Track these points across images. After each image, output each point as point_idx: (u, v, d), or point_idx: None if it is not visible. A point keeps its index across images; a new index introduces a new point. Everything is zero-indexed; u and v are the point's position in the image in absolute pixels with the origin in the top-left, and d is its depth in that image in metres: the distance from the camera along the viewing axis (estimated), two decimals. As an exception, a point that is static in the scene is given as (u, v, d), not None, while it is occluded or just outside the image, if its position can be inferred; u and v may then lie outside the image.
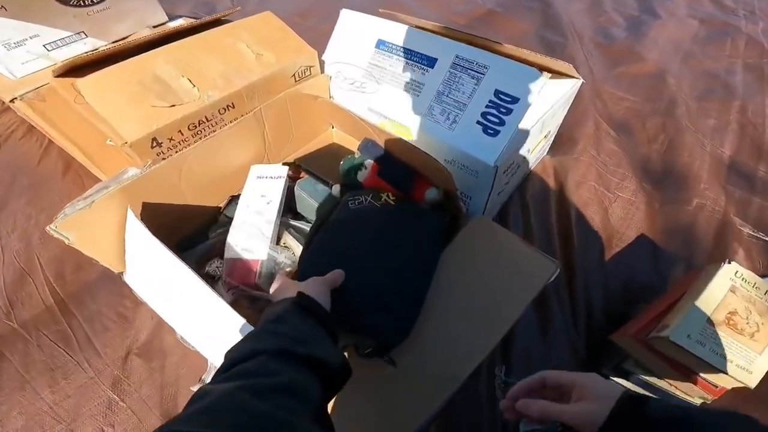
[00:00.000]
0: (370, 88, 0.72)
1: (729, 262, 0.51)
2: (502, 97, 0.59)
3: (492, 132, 0.58)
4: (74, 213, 0.52)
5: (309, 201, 0.68)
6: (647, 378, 0.54)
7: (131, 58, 0.62)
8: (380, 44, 0.72)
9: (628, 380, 0.56)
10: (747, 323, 0.47)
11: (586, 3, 1.71)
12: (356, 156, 0.69)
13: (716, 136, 1.04)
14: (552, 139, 0.89)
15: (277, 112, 0.68)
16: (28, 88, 0.74)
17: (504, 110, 0.58)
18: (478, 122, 0.59)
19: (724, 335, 0.45)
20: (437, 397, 0.47)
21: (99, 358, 0.71)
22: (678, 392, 0.53)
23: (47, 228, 0.52)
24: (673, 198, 0.88)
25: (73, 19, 0.84)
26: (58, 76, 0.65)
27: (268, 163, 0.72)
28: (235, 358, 0.32)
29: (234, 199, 0.69)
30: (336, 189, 0.66)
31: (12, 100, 0.72)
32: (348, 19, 0.78)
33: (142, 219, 0.56)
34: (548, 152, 0.93)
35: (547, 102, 0.66)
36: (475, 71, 0.62)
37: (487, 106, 0.59)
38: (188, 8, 1.72)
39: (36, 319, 0.76)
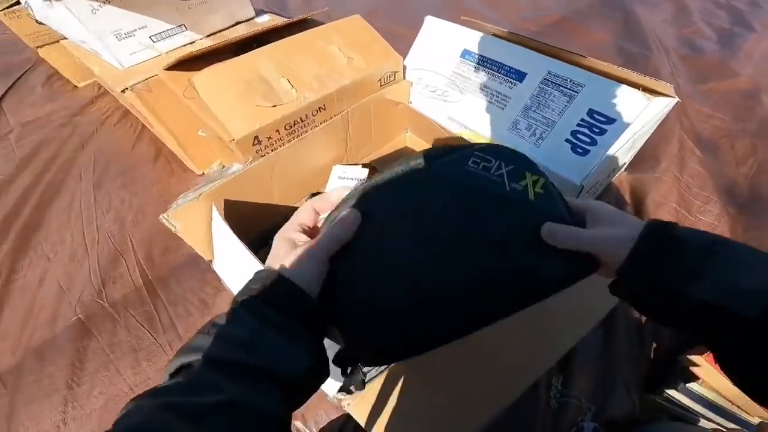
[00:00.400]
0: (452, 97, 0.73)
1: None
2: (596, 116, 0.58)
3: (581, 151, 0.58)
4: (185, 204, 0.58)
5: None
6: (715, 399, 0.55)
7: (239, 57, 0.66)
8: (465, 54, 0.72)
9: (693, 399, 0.57)
10: None
11: (671, 12, 1.59)
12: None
13: (812, 161, 0.95)
14: (634, 154, 0.86)
15: (362, 115, 0.71)
16: (136, 78, 0.79)
17: (597, 130, 0.57)
18: (567, 140, 0.59)
19: None
20: (493, 406, 0.48)
21: (180, 341, 0.75)
22: (737, 410, 0.53)
23: (160, 216, 0.58)
24: (758, 224, 0.83)
25: (175, 12, 0.88)
26: (167, 69, 0.71)
27: (347, 163, 0.76)
28: (175, 364, 0.27)
29: (314, 197, 0.74)
30: None
31: (123, 90, 0.78)
32: (432, 26, 0.79)
33: (233, 213, 0.61)
34: (627, 169, 0.90)
35: (640, 122, 0.64)
36: (568, 89, 0.61)
37: (578, 125, 0.59)
38: (262, 2, 1.80)
39: (125, 300, 0.81)
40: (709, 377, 0.54)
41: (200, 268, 0.85)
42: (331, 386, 0.47)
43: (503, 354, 0.53)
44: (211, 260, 0.67)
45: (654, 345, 0.67)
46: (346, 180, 0.68)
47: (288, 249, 0.32)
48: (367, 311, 0.31)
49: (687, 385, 0.57)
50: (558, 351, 0.53)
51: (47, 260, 0.90)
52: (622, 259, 0.27)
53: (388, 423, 0.49)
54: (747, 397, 0.46)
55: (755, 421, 0.53)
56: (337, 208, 0.37)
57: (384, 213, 0.34)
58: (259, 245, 0.71)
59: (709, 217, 0.83)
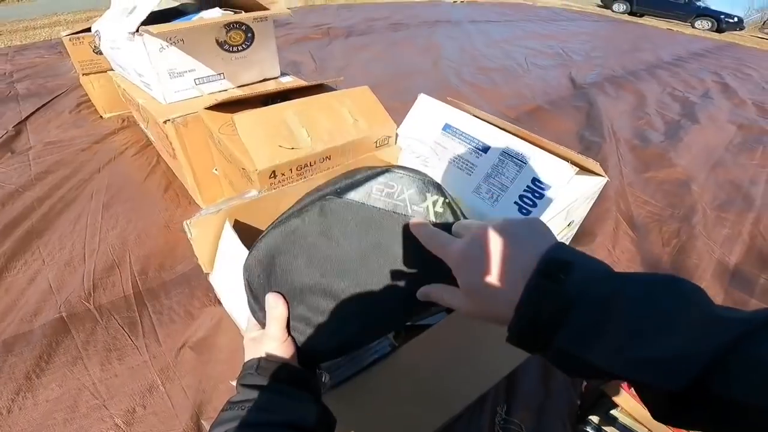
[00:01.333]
0: (432, 163, 0.90)
1: None
2: (537, 184, 0.74)
3: (525, 212, 0.73)
4: (206, 215, 0.70)
5: None
6: (630, 424, 0.61)
7: (271, 106, 0.82)
8: (446, 127, 0.91)
9: (614, 426, 0.64)
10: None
11: (631, 104, 1.86)
12: None
13: (726, 244, 1.13)
14: (575, 230, 1.02)
15: (359, 168, 0.87)
16: (176, 113, 0.92)
17: (537, 195, 0.73)
18: (515, 203, 0.75)
19: None
20: (438, 419, 0.56)
21: (158, 345, 0.78)
22: None
23: (184, 222, 0.69)
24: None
25: (220, 61, 0.99)
26: (207, 108, 0.86)
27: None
28: None
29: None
30: None
31: (165, 121, 0.91)
32: (424, 103, 0.98)
33: (238, 232, 0.72)
34: (571, 242, 1.06)
35: (574, 194, 0.80)
36: (519, 160, 0.78)
37: (524, 191, 0.75)
38: (282, 66, 2.04)
39: (112, 305, 0.85)
40: (625, 404, 0.61)
41: (191, 285, 0.91)
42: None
43: (448, 374, 0.61)
44: (208, 273, 0.75)
45: (584, 382, 0.76)
46: None
47: (262, 342, 0.38)
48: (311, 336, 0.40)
49: (610, 412, 0.64)
50: (499, 373, 0.62)
51: (42, 263, 0.95)
52: (507, 319, 0.26)
53: (347, 425, 0.56)
54: (665, 427, 0.56)
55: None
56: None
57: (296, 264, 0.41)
58: None
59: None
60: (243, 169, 0.78)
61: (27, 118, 1.55)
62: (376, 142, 0.90)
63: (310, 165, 0.81)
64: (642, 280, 0.24)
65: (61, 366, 0.74)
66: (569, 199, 0.79)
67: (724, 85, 2.14)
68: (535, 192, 0.73)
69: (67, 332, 0.79)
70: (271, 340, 0.38)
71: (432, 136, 0.91)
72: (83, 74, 1.48)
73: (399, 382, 0.61)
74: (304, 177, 0.81)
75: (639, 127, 1.70)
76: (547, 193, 0.72)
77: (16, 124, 1.49)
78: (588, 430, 0.68)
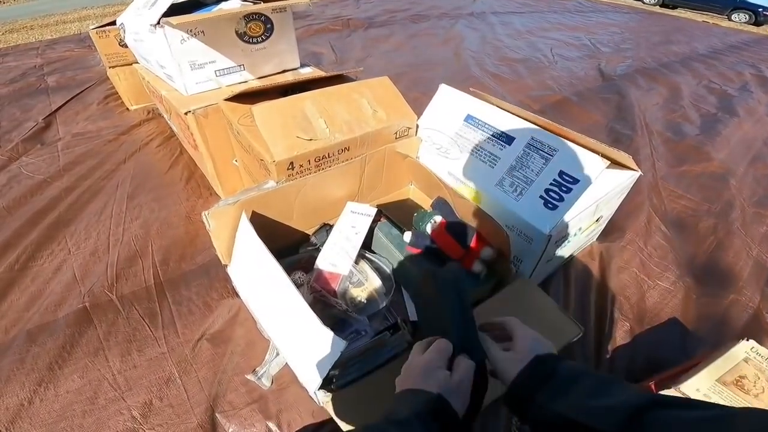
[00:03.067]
0: (453, 155, 0.87)
1: (747, 340, 0.58)
2: (565, 177, 0.71)
3: (552, 206, 0.70)
4: (224, 206, 0.70)
5: (384, 241, 0.83)
6: None
7: (289, 97, 0.81)
8: (468, 118, 0.88)
9: None
10: (754, 386, 0.53)
11: (664, 97, 1.77)
12: (429, 211, 0.82)
13: (765, 242, 1.06)
14: (604, 225, 0.98)
15: (376, 161, 0.85)
16: (197, 104, 0.91)
17: (565, 189, 0.70)
18: (541, 197, 0.72)
19: (731, 393, 0.52)
20: None
21: (176, 336, 0.79)
22: None
23: (202, 213, 0.69)
24: (710, 292, 0.92)
25: (240, 53, 0.99)
26: (227, 100, 0.86)
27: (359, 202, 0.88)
28: None
29: (325, 226, 0.86)
30: (407, 235, 0.80)
31: (186, 112, 0.91)
32: (445, 93, 0.95)
33: (255, 223, 0.70)
34: (598, 238, 1.02)
35: (604, 188, 0.76)
36: (546, 152, 0.75)
37: (551, 184, 0.71)
38: (302, 57, 2.04)
39: (133, 295, 0.86)
40: None
41: (210, 276, 0.91)
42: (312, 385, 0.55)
43: None
44: (226, 264, 0.75)
45: None
46: (357, 214, 0.81)
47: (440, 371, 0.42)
48: None
49: None
50: None
51: (68, 253, 0.97)
52: (512, 377, 0.39)
53: (361, 422, 0.53)
54: None
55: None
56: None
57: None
58: (276, 257, 0.81)
59: (665, 282, 0.94)
60: (261, 160, 0.77)
61: (56, 110, 1.58)
62: (396, 133, 0.88)
63: (329, 156, 0.79)
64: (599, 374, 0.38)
65: (82, 357, 0.75)
66: (599, 193, 0.75)
67: (763, 78, 2.01)
68: (563, 186, 0.70)
69: (90, 322, 0.81)
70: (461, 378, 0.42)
71: (453, 127, 0.88)
72: (110, 67, 1.51)
73: None
74: (322, 168, 0.79)
75: (673, 119, 1.62)
76: (576, 187, 0.69)
77: (46, 116, 1.53)
78: None
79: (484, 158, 0.82)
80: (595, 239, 1.01)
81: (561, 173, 0.71)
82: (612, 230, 1.04)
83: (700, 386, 0.53)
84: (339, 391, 0.59)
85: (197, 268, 0.94)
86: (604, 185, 0.77)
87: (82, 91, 1.72)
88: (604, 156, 0.69)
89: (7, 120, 1.51)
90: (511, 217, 0.74)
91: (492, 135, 0.82)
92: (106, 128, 1.48)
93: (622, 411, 0.31)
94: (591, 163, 0.69)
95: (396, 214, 0.87)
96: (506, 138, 0.81)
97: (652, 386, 0.61)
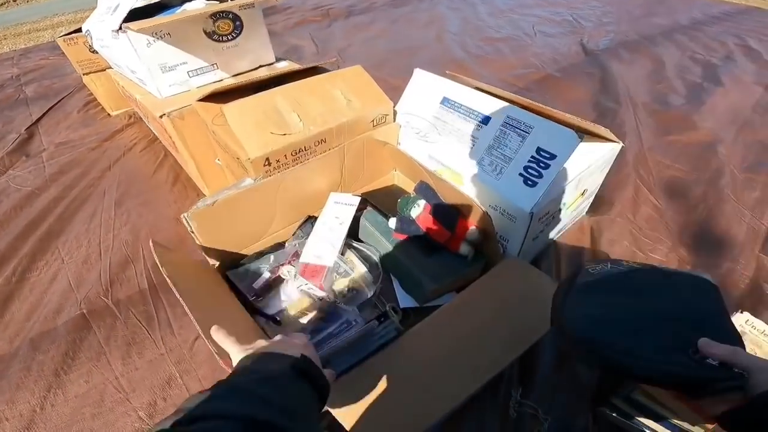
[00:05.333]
0: (432, 138, 0.86)
1: (742, 312, 0.57)
2: (542, 153, 0.70)
3: (531, 183, 0.70)
4: (203, 207, 0.70)
5: (370, 229, 0.83)
6: (653, 407, 0.58)
7: (259, 93, 0.80)
8: (445, 101, 0.87)
9: (635, 408, 0.60)
10: (749, 360, 0.52)
11: (648, 69, 1.75)
12: (412, 196, 0.81)
13: (757, 208, 1.05)
14: (591, 198, 0.97)
15: (355, 151, 0.84)
16: (172, 107, 0.91)
17: (543, 165, 0.69)
18: (520, 174, 0.71)
19: None
20: (450, 401, 0.54)
21: (173, 337, 0.79)
22: (681, 422, 0.56)
23: (182, 215, 0.68)
24: (704, 262, 0.92)
25: (211, 52, 0.99)
26: (200, 100, 0.85)
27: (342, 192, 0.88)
28: (201, 413, 0.27)
29: (310, 219, 0.85)
30: (392, 221, 0.80)
31: (161, 116, 0.90)
32: (420, 78, 0.94)
33: (239, 224, 0.72)
34: (587, 212, 1.02)
35: (585, 161, 0.76)
36: (522, 130, 0.74)
37: (529, 161, 0.71)
38: (282, 51, 2.02)
39: (128, 299, 0.87)
40: (647, 386, 0.56)
41: None
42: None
43: (458, 357, 0.60)
44: (214, 264, 0.76)
45: None
46: (340, 204, 0.80)
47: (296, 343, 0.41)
48: None
49: (631, 394, 0.59)
50: (510, 355, 0.59)
51: (62, 262, 0.98)
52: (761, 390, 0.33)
53: (353, 412, 0.55)
54: (686, 409, 0.51)
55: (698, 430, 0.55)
56: None
57: None
58: (264, 253, 0.81)
59: (658, 254, 0.93)
60: (237, 158, 0.77)
61: (38, 120, 1.57)
62: (372, 121, 0.87)
63: (305, 149, 0.79)
64: None
65: (86, 361, 0.77)
66: (581, 167, 0.75)
67: (748, 48, 1.97)
68: (541, 162, 0.70)
69: (89, 328, 0.82)
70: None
71: (430, 111, 0.88)
72: (84, 74, 1.49)
73: (406, 367, 0.61)
74: (301, 162, 0.79)
75: (658, 90, 1.60)
76: (553, 163, 0.68)
77: (28, 127, 1.51)
78: (608, 412, 0.64)
79: (463, 140, 0.82)
80: (584, 213, 1.01)
81: (538, 150, 0.71)
82: (600, 204, 1.03)
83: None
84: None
85: None
86: (586, 159, 0.76)
87: (61, 100, 1.70)
88: (580, 129, 0.69)
89: (-12, 135, 1.49)
90: (493, 196, 0.73)
91: (469, 116, 0.82)
92: (88, 136, 1.46)
93: None
94: (567, 138, 0.68)
95: (382, 201, 0.87)
96: (483, 118, 0.80)
97: None
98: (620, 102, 1.51)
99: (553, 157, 0.69)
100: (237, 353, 0.37)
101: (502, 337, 0.61)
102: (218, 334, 0.41)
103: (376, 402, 0.56)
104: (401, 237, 0.79)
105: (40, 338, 0.81)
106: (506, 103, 0.79)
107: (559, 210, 0.78)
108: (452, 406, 0.55)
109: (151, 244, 0.62)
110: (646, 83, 1.66)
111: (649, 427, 0.60)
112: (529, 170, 0.71)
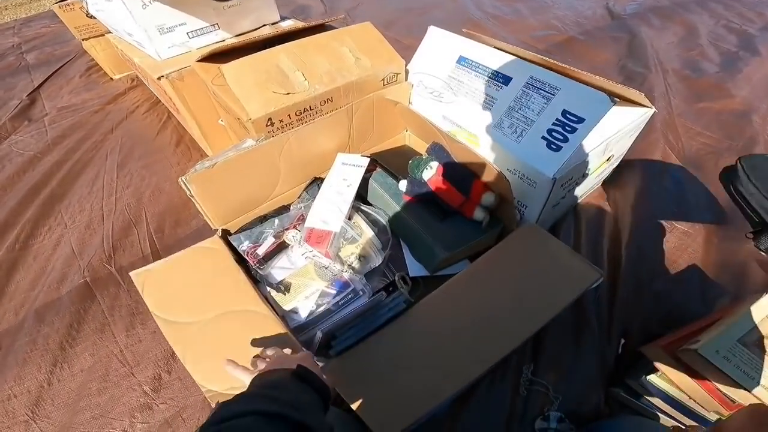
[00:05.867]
0: (446, 98, 0.80)
1: None
2: (568, 116, 0.64)
3: (555, 147, 0.64)
4: (202, 170, 0.66)
5: (379, 191, 0.79)
6: (669, 390, 0.56)
7: (261, 51, 0.74)
8: (461, 60, 0.80)
9: (651, 391, 0.58)
10: (778, 348, 0.48)
11: (679, 36, 1.65)
12: (424, 157, 0.77)
13: (794, 180, 0.98)
14: (616, 164, 0.91)
15: (364, 110, 0.79)
16: (171, 69, 0.87)
17: (569, 128, 0.63)
18: (543, 137, 0.66)
19: (753, 356, 0.48)
20: (460, 379, 0.51)
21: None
22: (695, 406, 0.54)
23: (179, 179, 0.64)
24: (732, 235, 0.86)
25: (211, 12, 0.95)
26: (199, 61, 0.80)
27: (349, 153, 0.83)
28: (226, 414, 0.32)
29: (316, 181, 0.81)
30: (403, 184, 0.76)
31: (159, 77, 0.86)
32: (435, 35, 0.87)
33: (240, 187, 0.69)
34: (610, 178, 0.96)
35: (614, 126, 0.70)
36: (546, 91, 0.68)
37: (553, 124, 0.65)
38: (288, 10, 1.93)
39: (131, 266, 0.82)
40: (666, 369, 0.55)
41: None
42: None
43: (474, 329, 0.56)
44: (217, 229, 0.73)
45: (622, 341, 0.70)
46: (348, 166, 0.76)
47: (289, 356, 0.47)
48: None
49: (647, 377, 0.57)
50: (525, 331, 0.54)
51: (65, 227, 0.97)
52: None
53: (360, 389, 0.52)
54: (704, 393, 0.50)
55: (712, 417, 0.54)
56: None
57: None
58: (266, 218, 0.78)
59: (684, 225, 0.88)
60: (238, 119, 0.72)
61: (40, 86, 1.54)
62: (383, 80, 0.81)
63: (311, 109, 0.74)
64: None
65: (90, 334, 0.76)
66: (609, 132, 0.69)
67: None
68: (567, 126, 0.64)
69: (93, 298, 0.81)
70: (306, 355, 0.48)
71: (445, 70, 0.81)
72: (83, 39, 1.44)
73: (414, 342, 0.58)
74: (306, 122, 0.74)
75: (690, 57, 1.49)
76: (581, 127, 0.63)
77: (30, 93, 1.48)
78: (622, 393, 0.62)
79: (480, 100, 0.76)
80: (605, 178, 0.95)
81: (564, 113, 0.65)
82: (625, 169, 0.97)
83: (720, 347, 0.49)
84: (335, 357, 0.58)
85: (192, 232, 0.94)
86: (615, 123, 0.70)
87: (62, 66, 1.66)
88: (610, 93, 0.63)
89: (-9, 101, 1.46)
90: (512, 160, 0.68)
91: (487, 76, 0.76)
92: (90, 100, 1.43)
93: None
94: (598, 101, 0.63)
95: (392, 163, 0.82)
96: (503, 78, 0.74)
97: (669, 345, 0.56)
98: (649, 67, 1.41)
99: (580, 120, 0.63)
100: (249, 377, 0.42)
101: (516, 312, 0.57)
102: (231, 368, 0.45)
103: (382, 378, 0.54)
104: (412, 200, 0.75)
105: (44, 309, 0.81)
106: (530, 64, 0.72)
107: (583, 176, 0.73)
108: (462, 385, 0.51)
109: (131, 275, 0.62)
110: (677, 50, 1.55)
111: (662, 410, 0.59)
112: (554, 134, 0.65)
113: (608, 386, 0.65)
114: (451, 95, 0.80)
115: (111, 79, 1.55)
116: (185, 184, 0.65)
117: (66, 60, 1.70)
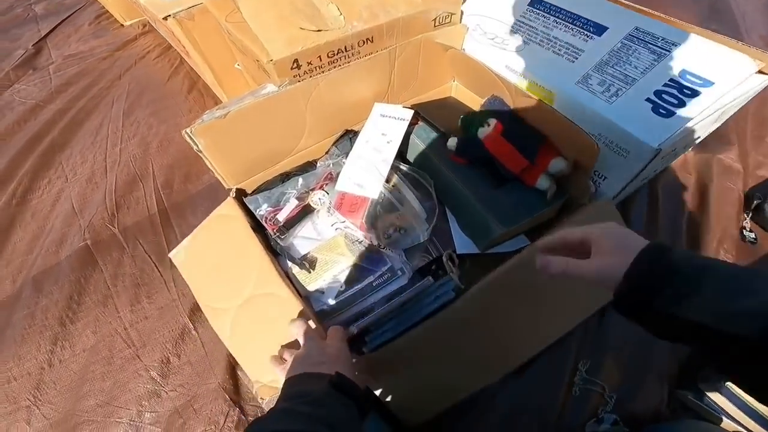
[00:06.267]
0: (513, 46, 0.65)
1: None
2: (689, 77, 0.50)
3: (665, 113, 0.50)
4: (210, 120, 0.53)
5: (422, 148, 0.66)
6: (747, 398, 0.53)
7: (285, -23, 0.60)
8: (536, 3, 0.65)
9: (722, 394, 0.54)
10: None
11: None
12: (480, 111, 0.64)
13: None
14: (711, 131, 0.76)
15: (409, 54, 0.65)
16: (179, 7, 0.76)
17: (688, 92, 0.50)
18: (649, 100, 0.52)
19: None
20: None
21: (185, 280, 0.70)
22: None
23: (183, 131, 0.53)
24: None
25: None
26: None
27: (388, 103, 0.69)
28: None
29: (348, 134, 0.68)
30: (453, 142, 0.63)
31: (165, 17, 0.75)
32: (500, -29, 0.71)
33: (258, 140, 0.58)
34: (696, 148, 0.80)
35: (736, 91, 0.55)
36: (658, 47, 0.54)
37: (665, 85, 0.51)
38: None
39: (137, 227, 0.79)
40: None
41: (218, 199, 0.76)
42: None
43: (521, 320, 0.52)
44: (230, 189, 0.63)
45: None
46: (388, 118, 0.62)
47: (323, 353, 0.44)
48: None
49: (726, 384, 0.53)
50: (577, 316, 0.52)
51: (65, 180, 0.91)
52: (617, 284, 0.30)
53: (391, 381, 0.49)
54: None
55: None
56: None
57: None
58: (286, 177, 0.66)
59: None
60: (257, 61, 0.59)
61: (47, 35, 1.44)
62: (435, 20, 0.67)
63: (346, 50, 0.60)
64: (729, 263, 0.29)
65: (92, 307, 0.69)
66: (728, 98, 0.54)
67: None
68: (686, 89, 0.50)
69: (94, 264, 0.74)
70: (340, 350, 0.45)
71: (513, 13, 0.66)
72: (91, -16, 1.31)
73: (459, 338, 0.50)
74: (339, 66, 0.60)
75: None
76: (709, 92, 0.49)
77: (36, 43, 1.38)
78: (690, 396, 0.56)
79: (560, 50, 0.61)
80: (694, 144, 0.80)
81: (684, 73, 0.51)
82: (714, 139, 0.81)
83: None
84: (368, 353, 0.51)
85: (204, 188, 0.85)
86: (737, 88, 0.55)
87: (71, 14, 1.55)
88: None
89: (-5, 51, 1.39)
90: (598, 122, 0.55)
91: (572, 22, 0.61)
92: (99, 46, 1.32)
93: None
94: (734, 63, 0.49)
95: (437, 116, 0.69)
96: (594, 27, 0.59)
97: None
98: (739, 32, 1.22)
99: (707, 83, 0.49)
100: (282, 373, 0.42)
101: (576, 298, 0.52)
102: (271, 363, 0.46)
103: (414, 372, 0.49)
104: (462, 162, 0.62)
105: (42, 277, 0.73)
106: (630, 11, 0.58)
107: (686, 147, 0.60)
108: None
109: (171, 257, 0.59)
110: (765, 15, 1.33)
111: (734, 418, 0.54)
112: (664, 96, 0.51)
113: (675, 387, 0.58)
114: (518, 42, 0.65)
115: (122, 25, 1.43)
116: (191, 137, 0.53)
117: (75, 8, 1.58)
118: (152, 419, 0.59)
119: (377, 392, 0.49)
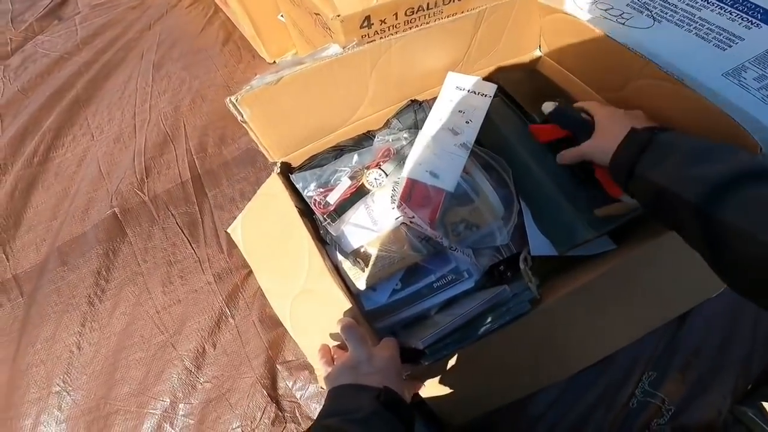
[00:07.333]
0: (637, 22, 0.53)
1: None
2: None
3: None
4: (260, 87, 0.44)
5: (499, 128, 0.55)
6: None
7: None
8: (682, -26, 0.52)
9: None
10: None
11: None
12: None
13: None
14: None
15: (499, 18, 0.53)
16: None
17: None
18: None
19: None
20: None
21: (220, 253, 0.66)
22: None
23: (227, 99, 0.45)
24: None
25: None
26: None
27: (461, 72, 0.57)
28: None
29: (413, 104, 0.57)
30: (550, 105, 0.52)
31: None
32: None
33: (312, 110, 0.49)
34: None
35: None
36: None
37: None
38: None
39: (168, 195, 0.73)
40: None
41: (256, 166, 0.75)
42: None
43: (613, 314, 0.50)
44: (275, 162, 0.54)
45: None
46: (465, 93, 0.52)
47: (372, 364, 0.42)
48: None
49: None
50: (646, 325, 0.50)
51: (91, 138, 0.85)
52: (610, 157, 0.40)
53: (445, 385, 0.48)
54: None
55: None
56: None
57: None
58: (340, 152, 0.57)
59: None
60: (316, 14, 0.49)
61: (74, -17, 1.36)
62: (538, -24, 0.54)
63: (427, 8, 0.50)
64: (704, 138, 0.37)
65: (121, 285, 0.64)
66: None
67: None
68: None
69: (123, 236, 0.69)
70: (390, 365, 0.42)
71: (644, -21, 0.53)
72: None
73: (530, 343, 0.48)
74: (417, 26, 0.50)
75: None
76: None
77: (62, -8, 1.31)
78: (749, 414, 0.56)
79: (709, 35, 0.49)
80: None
81: None
82: None
83: None
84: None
85: (241, 153, 0.78)
86: None
87: (101, -38, 1.46)
88: None
89: (19, 2, 1.30)
90: (747, 123, 0.44)
91: (731, 5, 0.48)
92: (128, -6, 1.23)
93: (712, 180, 0.29)
94: None
95: (518, 90, 0.58)
96: (762, 13, 0.46)
97: None
98: None
99: None
100: (324, 367, 0.43)
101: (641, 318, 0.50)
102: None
103: (466, 382, 0.49)
104: (545, 134, 0.52)
105: (68, 248, 0.68)
106: None
107: None
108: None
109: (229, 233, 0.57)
110: None
111: None
112: None
113: (737, 403, 0.58)
114: (646, 19, 0.53)
115: (153, -29, 1.32)
116: (235, 106, 0.45)
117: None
118: (186, 411, 0.56)
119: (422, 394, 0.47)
